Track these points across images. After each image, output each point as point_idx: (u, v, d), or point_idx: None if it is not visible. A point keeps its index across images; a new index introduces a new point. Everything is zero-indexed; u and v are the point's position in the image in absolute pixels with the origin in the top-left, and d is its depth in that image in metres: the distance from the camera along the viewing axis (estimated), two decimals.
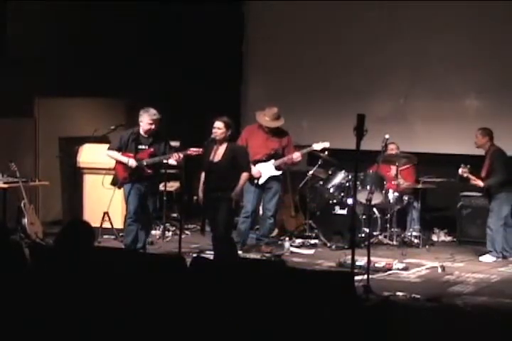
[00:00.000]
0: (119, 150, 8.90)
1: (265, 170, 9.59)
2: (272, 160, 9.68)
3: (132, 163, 8.76)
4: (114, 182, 9.03)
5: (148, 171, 8.81)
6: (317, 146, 9.84)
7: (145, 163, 8.79)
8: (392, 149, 10.29)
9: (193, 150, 8.56)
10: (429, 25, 11.33)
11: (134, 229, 8.88)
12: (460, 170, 9.38)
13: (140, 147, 8.82)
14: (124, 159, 8.82)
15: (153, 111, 8.78)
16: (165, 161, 8.89)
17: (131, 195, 8.82)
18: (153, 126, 8.76)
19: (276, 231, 10.61)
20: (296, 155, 9.68)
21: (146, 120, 8.76)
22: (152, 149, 8.84)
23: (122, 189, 8.98)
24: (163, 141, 8.93)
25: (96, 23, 11.01)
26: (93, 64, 10.93)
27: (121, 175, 8.88)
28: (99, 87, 10.90)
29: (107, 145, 9.21)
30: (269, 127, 9.62)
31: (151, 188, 8.96)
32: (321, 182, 10.50)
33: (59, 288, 4.83)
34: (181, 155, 8.60)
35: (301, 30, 12.06)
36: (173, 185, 10.98)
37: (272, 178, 9.66)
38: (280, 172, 9.72)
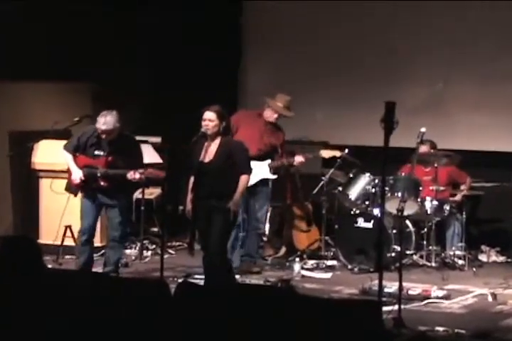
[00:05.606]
0: (75, 150, 8.91)
1: (257, 171, 9.43)
2: (269, 160, 9.72)
3: (75, 177, 8.79)
4: (68, 188, 9.10)
5: (102, 183, 8.79)
6: (325, 153, 9.89)
7: (99, 174, 8.77)
8: (424, 149, 10.15)
9: (150, 172, 8.60)
10: None
11: (86, 249, 8.96)
12: None
13: (98, 153, 8.83)
14: (72, 168, 8.86)
15: (108, 118, 8.64)
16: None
17: (85, 206, 8.89)
18: (103, 136, 8.75)
19: (283, 250, 10.68)
20: (299, 160, 9.73)
21: (97, 126, 8.73)
22: (110, 158, 8.79)
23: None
24: (130, 149, 8.88)
25: None
26: (52, 40, 10.90)
27: (73, 182, 8.92)
28: (59, 69, 10.86)
29: None
30: (277, 117, 9.77)
31: (116, 200, 8.90)
32: (340, 188, 10.47)
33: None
34: (137, 176, 8.58)
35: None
36: (152, 192, 10.94)
37: (262, 182, 9.68)
38: (275, 177, 9.70)
